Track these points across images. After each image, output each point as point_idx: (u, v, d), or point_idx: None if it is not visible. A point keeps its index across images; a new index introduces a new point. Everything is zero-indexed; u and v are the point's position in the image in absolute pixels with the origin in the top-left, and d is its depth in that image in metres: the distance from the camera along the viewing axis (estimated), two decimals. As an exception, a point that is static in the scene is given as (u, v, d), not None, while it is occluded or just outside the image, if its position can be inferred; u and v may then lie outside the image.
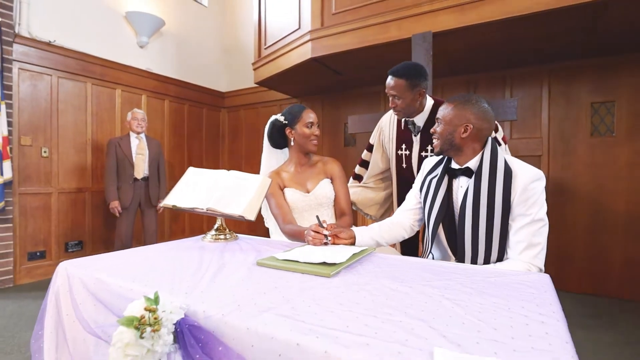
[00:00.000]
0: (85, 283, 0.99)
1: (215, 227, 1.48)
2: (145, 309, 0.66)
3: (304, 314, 0.69)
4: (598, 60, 3.12)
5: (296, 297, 0.78)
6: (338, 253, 1.11)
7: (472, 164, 1.32)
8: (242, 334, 0.65)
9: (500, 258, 1.28)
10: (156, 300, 0.68)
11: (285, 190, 1.69)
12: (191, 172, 1.60)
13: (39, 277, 3.57)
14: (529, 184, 1.23)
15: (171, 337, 0.67)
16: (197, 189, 1.51)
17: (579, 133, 3.22)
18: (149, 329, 0.65)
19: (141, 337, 0.64)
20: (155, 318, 0.65)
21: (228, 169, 1.58)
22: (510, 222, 1.26)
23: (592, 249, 3.18)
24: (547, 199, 1.26)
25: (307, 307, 0.73)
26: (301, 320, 0.66)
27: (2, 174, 3.10)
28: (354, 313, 0.69)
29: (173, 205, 1.45)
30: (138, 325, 0.64)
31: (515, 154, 3.38)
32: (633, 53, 2.99)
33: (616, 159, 3.08)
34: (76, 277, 1.02)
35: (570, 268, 3.27)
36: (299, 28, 3.36)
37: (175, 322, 0.69)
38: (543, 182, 1.27)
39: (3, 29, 3.23)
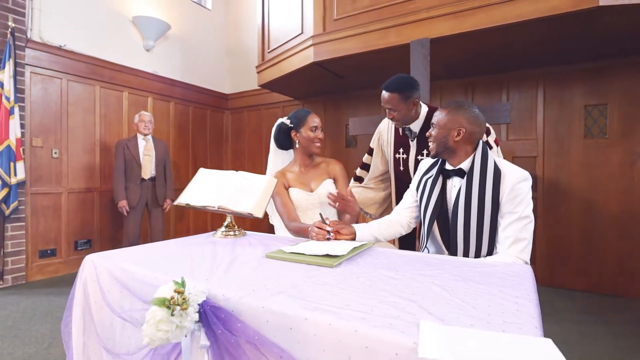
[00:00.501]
0: (112, 272, 1.10)
1: (225, 224, 1.59)
2: (175, 291, 0.77)
3: (311, 296, 0.79)
4: (591, 64, 3.22)
5: (303, 283, 0.89)
6: (340, 247, 1.22)
7: (465, 165, 1.42)
8: (258, 312, 0.76)
9: (490, 252, 1.38)
10: (183, 283, 0.79)
11: (290, 189, 1.80)
12: (202, 172, 1.71)
13: (49, 274, 3.69)
14: (517, 184, 1.33)
15: (197, 315, 0.78)
16: (208, 188, 1.62)
17: (573, 135, 3.33)
18: (178, 308, 0.75)
19: (172, 315, 0.75)
20: (183, 299, 0.76)
21: (231, 169, 1.69)
22: (499, 219, 1.36)
23: (586, 247, 3.28)
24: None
25: (313, 290, 0.83)
26: (308, 300, 0.77)
27: (15, 175, 3.22)
28: (353, 295, 0.80)
29: (187, 204, 1.56)
30: (169, 304, 0.75)
31: (511, 155, 3.49)
32: (624, 57, 3.09)
33: (609, 159, 3.19)
34: (103, 268, 1.13)
35: (565, 266, 3.37)
36: (302, 33, 3.47)
37: (199, 303, 0.80)
38: (529, 183, 1.37)
39: (16, 34, 3.35)
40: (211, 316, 0.79)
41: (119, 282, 1.08)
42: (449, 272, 0.98)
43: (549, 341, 0.57)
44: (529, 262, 1.31)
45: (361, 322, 0.66)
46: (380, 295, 0.80)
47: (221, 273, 0.99)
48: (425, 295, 0.80)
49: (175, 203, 1.61)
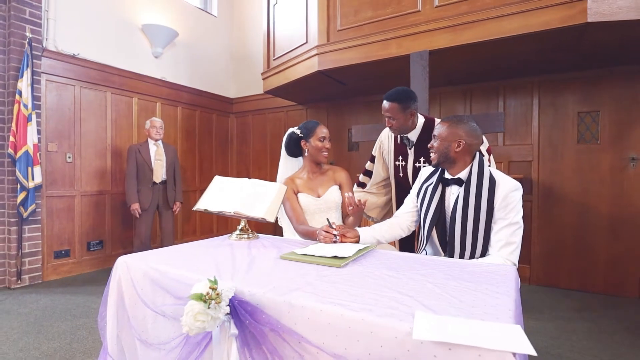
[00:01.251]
0: (145, 272, 1.24)
1: (240, 227, 1.73)
2: (210, 287, 0.91)
3: (324, 292, 0.94)
4: (583, 73, 3.37)
5: (315, 281, 1.03)
6: (346, 249, 1.36)
7: (463, 174, 1.55)
8: (280, 305, 0.90)
9: (483, 254, 1.52)
10: (215, 281, 0.94)
11: (299, 194, 1.94)
12: (218, 180, 1.85)
13: (64, 274, 3.84)
14: (509, 193, 1.47)
15: (228, 308, 0.92)
16: (224, 195, 1.76)
17: (567, 140, 3.47)
18: (212, 301, 0.90)
19: (208, 308, 0.89)
20: (217, 294, 0.90)
21: (236, 172, 1.84)
22: (492, 224, 1.50)
23: (579, 248, 3.42)
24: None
25: (325, 287, 0.98)
26: (322, 295, 0.91)
27: (33, 179, 3.37)
28: (359, 291, 0.94)
29: (205, 209, 1.71)
30: (205, 299, 0.89)
31: (507, 159, 3.63)
32: (616, 66, 3.23)
33: (600, 164, 3.33)
34: (136, 267, 1.28)
35: (559, 266, 3.50)
36: (307, 42, 3.61)
37: (229, 298, 0.94)
38: (520, 192, 1.51)
39: (33, 44, 3.50)
40: (239, 309, 0.94)
41: (151, 280, 1.22)
42: (442, 272, 1.13)
43: (518, 327, 0.71)
44: (517, 263, 1.45)
45: (367, 312, 0.80)
46: (382, 291, 0.94)
47: (243, 272, 1.14)
48: (420, 291, 0.94)
49: (194, 209, 1.76)
